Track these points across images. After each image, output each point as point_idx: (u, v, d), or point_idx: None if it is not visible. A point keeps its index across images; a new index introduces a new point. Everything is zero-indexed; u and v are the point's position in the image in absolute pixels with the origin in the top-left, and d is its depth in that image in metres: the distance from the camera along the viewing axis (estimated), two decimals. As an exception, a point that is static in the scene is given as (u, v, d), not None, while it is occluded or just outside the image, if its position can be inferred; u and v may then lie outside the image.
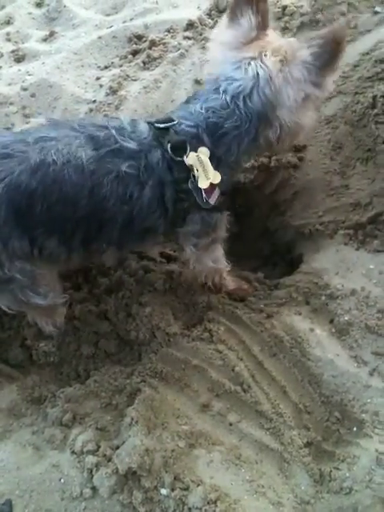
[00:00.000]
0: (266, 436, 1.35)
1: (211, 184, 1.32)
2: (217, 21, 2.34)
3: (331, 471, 1.26)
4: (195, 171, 1.31)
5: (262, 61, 1.30)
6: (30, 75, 2.37)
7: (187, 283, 1.71)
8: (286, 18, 2.17)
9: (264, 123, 1.34)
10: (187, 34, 2.37)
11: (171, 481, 1.21)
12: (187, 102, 1.41)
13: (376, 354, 1.44)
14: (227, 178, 1.38)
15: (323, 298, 1.59)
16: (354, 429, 1.34)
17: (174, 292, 1.71)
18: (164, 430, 1.32)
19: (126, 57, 2.40)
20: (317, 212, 1.83)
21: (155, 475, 1.22)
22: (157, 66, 2.28)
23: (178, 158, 1.30)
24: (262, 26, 1.34)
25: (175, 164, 1.30)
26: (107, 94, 2.22)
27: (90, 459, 1.25)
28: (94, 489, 1.22)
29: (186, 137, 1.31)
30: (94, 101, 2.22)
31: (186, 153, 1.30)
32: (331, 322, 1.54)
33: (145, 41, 2.41)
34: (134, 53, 2.40)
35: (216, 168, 1.33)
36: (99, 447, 1.28)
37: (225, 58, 1.37)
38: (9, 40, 2.68)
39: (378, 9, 2.07)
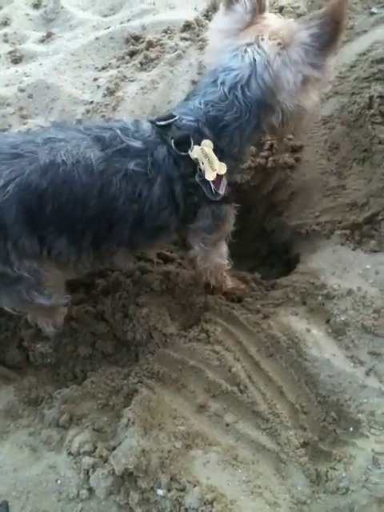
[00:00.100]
0: (263, 436, 1.35)
1: (218, 175, 1.32)
2: (214, 22, 2.35)
3: (327, 471, 1.26)
4: (201, 164, 1.30)
5: (258, 46, 1.28)
6: (27, 76, 2.38)
7: (184, 284, 1.71)
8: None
9: (265, 110, 1.33)
10: (184, 35, 2.37)
11: (168, 481, 1.21)
12: (187, 98, 1.40)
13: (372, 353, 1.44)
14: (232, 168, 1.38)
15: (320, 298, 1.59)
16: (351, 429, 1.34)
17: (171, 293, 1.70)
18: (160, 431, 1.32)
19: (123, 58, 2.40)
20: (313, 212, 1.83)
21: (152, 476, 1.22)
22: (154, 67, 2.29)
23: (183, 153, 1.30)
24: (259, 9, 1.32)
25: (181, 159, 1.30)
26: (104, 95, 2.22)
27: (87, 460, 1.25)
28: (90, 490, 1.22)
29: (189, 131, 1.31)
30: (92, 102, 2.22)
31: (190, 147, 1.30)
32: (328, 322, 1.54)
33: (142, 42, 2.41)
34: (132, 54, 2.41)
35: (220, 160, 1.32)
36: (96, 448, 1.28)
37: (222, 47, 1.35)
38: (6, 41, 2.69)
39: (374, 9, 2.07)
